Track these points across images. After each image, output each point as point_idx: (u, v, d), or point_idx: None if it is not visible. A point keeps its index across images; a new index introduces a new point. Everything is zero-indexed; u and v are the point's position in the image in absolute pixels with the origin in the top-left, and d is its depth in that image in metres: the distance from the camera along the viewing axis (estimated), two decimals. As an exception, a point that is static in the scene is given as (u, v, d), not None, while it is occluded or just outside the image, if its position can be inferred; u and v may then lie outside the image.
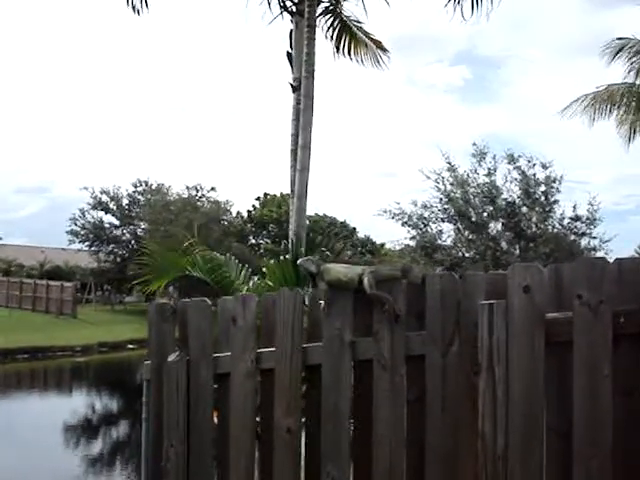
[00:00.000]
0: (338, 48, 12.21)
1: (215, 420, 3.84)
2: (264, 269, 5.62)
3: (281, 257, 5.28)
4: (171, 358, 3.81)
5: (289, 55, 9.99)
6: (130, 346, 33.02)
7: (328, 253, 3.51)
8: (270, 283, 5.26)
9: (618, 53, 18.75)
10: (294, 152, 9.19)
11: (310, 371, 3.53)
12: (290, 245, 5.81)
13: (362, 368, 3.41)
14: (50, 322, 38.00)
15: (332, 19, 11.95)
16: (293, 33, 10.12)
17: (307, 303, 3.58)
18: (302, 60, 9.30)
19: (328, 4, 11.46)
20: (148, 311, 4.01)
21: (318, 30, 10.32)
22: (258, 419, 3.68)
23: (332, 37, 12.05)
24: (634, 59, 18.37)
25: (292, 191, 8.93)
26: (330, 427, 3.41)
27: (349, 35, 12.16)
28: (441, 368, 3.20)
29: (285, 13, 10.43)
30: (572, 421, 2.92)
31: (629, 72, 18.60)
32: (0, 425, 16.94)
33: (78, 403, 21.60)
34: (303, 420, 3.55)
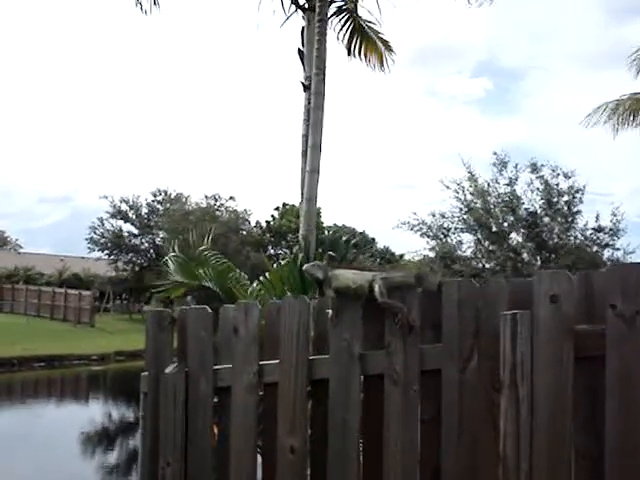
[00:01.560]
0: (349, 50, 11.99)
1: (215, 436, 3.59)
2: (267, 275, 5.40)
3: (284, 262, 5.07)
4: (168, 370, 3.58)
5: (300, 53, 9.75)
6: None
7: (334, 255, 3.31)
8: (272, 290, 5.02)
9: None
10: (305, 154, 8.93)
11: (316, 386, 3.30)
12: (299, 250, 5.54)
13: (372, 383, 3.16)
14: (68, 330, 38.12)
15: (345, 19, 11.73)
16: (305, 30, 9.89)
17: (313, 312, 3.32)
18: (313, 57, 9.07)
19: (342, 3, 11.26)
20: (145, 319, 3.78)
21: (330, 31, 10.13)
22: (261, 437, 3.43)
23: (344, 38, 11.85)
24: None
25: (302, 194, 8.65)
26: (338, 447, 3.16)
27: (361, 35, 11.96)
28: (459, 384, 2.95)
29: (297, 11, 10.20)
30: (604, 445, 2.65)
31: None
32: (13, 433, 16.78)
33: (92, 412, 21.47)
34: (309, 439, 3.28)
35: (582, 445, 2.72)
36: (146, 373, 3.70)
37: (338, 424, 3.16)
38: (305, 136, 9.05)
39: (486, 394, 2.88)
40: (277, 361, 3.34)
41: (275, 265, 5.68)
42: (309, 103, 9.04)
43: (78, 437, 16.73)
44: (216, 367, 3.52)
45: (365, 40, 11.94)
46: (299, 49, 9.84)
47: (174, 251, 6.70)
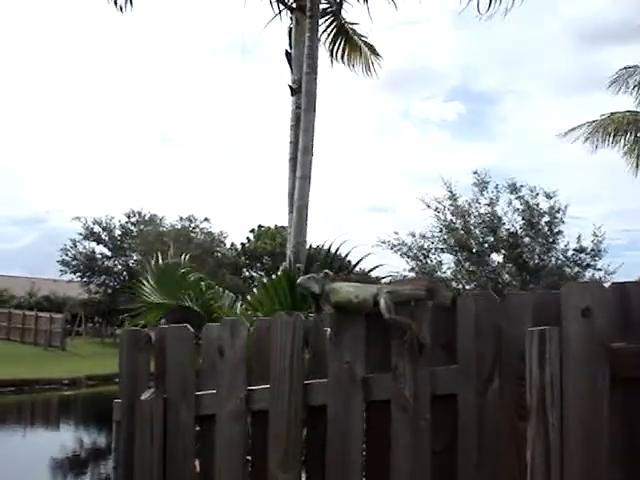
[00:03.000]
0: (332, 52, 11.72)
1: (197, 470, 3.21)
2: (255, 291, 5.02)
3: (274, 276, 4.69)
4: (145, 396, 3.21)
5: (288, 55, 9.44)
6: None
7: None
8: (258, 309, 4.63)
9: (625, 83, 18.48)
10: (293, 161, 8.51)
11: (313, 414, 2.95)
12: (287, 263, 5.15)
13: (377, 410, 2.81)
14: (38, 354, 37.30)
15: (329, 21, 11.45)
16: (293, 31, 9.57)
17: (309, 330, 2.97)
18: (303, 59, 8.70)
19: (326, 5, 10.98)
20: (120, 339, 3.40)
21: None
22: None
23: (327, 40, 11.57)
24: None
25: (290, 204, 8.22)
26: (337, 483, 2.78)
27: (345, 38, 11.69)
28: (477, 411, 2.62)
29: (282, 13, 9.91)
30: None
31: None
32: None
33: (61, 439, 20.78)
34: (304, 474, 2.91)
35: (620, 480, 2.39)
36: (119, 400, 3.32)
37: (338, 457, 2.81)
38: (293, 143, 8.67)
39: (509, 422, 2.55)
40: (268, 386, 2.99)
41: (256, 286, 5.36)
42: (298, 108, 8.67)
43: (45, 466, 16.10)
44: (199, 393, 3.16)
45: (349, 43, 11.71)
46: (286, 51, 9.52)
47: (149, 271, 6.27)
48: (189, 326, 3.23)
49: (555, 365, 2.41)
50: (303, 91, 8.53)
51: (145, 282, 6.09)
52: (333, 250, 5.14)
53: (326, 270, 3.13)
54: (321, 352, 2.93)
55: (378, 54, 12.12)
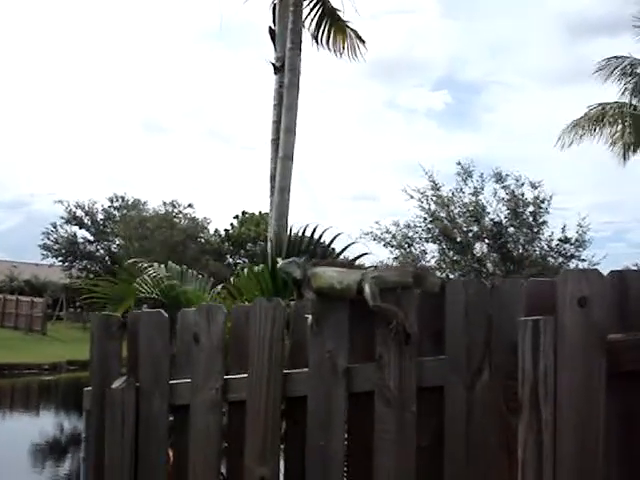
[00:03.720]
0: (317, 37, 11.44)
1: (171, 461, 3.06)
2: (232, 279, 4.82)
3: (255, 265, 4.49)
4: (116, 384, 3.04)
5: (271, 32, 9.21)
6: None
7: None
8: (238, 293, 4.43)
9: (614, 71, 18.44)
10: (275, 141, 8.26)
11: (292, 405, 2.81)
12: (269, 247, 4.95)
13: (360, 402, 2.67)
14: (18, 339, 36.99)
15: (313, 4, 11.17)
16: (277, 7, 9.33)
17: (289, 317, 2.82)
18: (287, 35, 8.45)
19: None
20: (91, 325, 3.23)
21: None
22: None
23: (311, 24, 11.26)
24: (629, 78, 18.02)
25: (272, 187, 7.97)
26: (317, 478, 2.64)
27: (330, 21, 11.41)
28: (465, 404, 2.48)
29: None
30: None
31: (623, 92, 18.25)
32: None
33: (40, 424, 20.56)
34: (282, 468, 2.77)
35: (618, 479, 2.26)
36: (90, 388, 3.16)
37: (318, 451, 2.67)
38: (276, 122, 8.43)
39: (499, 416, 2.42)
40: (245, 375, 2.84)
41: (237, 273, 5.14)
42: (281, 87, 8.43)
43: (23, 451, 15.90)
44: (173, 382, 3.01)
45: (335, 27, 11.44)
46: (270, 28, 9.29)
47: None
48: (163, 311, 3.07)
49: (549, 357, 2.28)
50: (286, 67, 8.30)
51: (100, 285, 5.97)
52: (316, 237, 4.96)
53: (307, 254, 2.98)
54: (302, 340, 2.78)
55: (363, 40, 11.91)
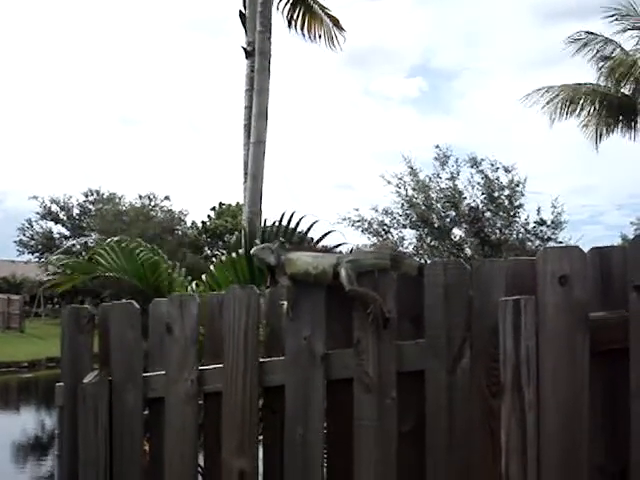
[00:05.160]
0: (290, 22, 11.24)
1: (146, 454, 2.98)
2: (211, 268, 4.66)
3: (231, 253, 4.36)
4: (88, 379, 2.95)
5: (242, 16, 9.05)
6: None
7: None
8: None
9: (583, 47, 18.47)
10: (247, 127, 8.11)
11: (269, 395, 2.73)
12: (242, 235, 4.84)
13: (338, 390, 2.60)
14: (-4, 337, 36.55)
15: None
16: (247, -10, 9.17)
17: (264, 305, 2.74)
18: (256, 19, 8.28)
19: None
20: (61, 318, 3.14)
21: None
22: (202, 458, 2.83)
23: (284, 8, 11.07)
24: (602, 59, 18.09)
25: (245, 173, 7.83)
26: (297, 469, 2.60)
27: (303, 7, 11.20)
28: (446, 388, 2.41)
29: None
30: (628, 457, 2.17)
31: (598, 75, 18.32)
32: None
33: (20, 421, 20.36)
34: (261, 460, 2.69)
35: (601, 459, 2.23)
36: (62, 383, 3.07)
37: (297, 441, 2.60)
38: (248, 107, 8.28)
39: (481, 400, 2.35)
40: (220, 365, 2.76)
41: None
42: (252, 71, 8.28)
43: (4, 448, 15.72)
44: (146, 374, 2.92)
45: (309, 13, 11.22)
46: (240, 12, 9.13)
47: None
48: (135, 302, 2.98)
49: (531, 337, 2.22)
50: (256, 51, 8.13)
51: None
52: (293, 225, 4.85)
53: (281, 239, 2.90)
54: (278, 328, 2.71)
55: (342, 28, 11.62)
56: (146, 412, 2.98)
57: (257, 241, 3.12)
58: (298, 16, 11.24)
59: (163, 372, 2.86)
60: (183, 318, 2.82)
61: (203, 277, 4.80)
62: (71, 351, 3.06)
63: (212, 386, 2.78)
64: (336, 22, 11.66)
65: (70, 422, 3.02)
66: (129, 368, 2.92)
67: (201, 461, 2.87)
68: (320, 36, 11.43)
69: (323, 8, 11.48)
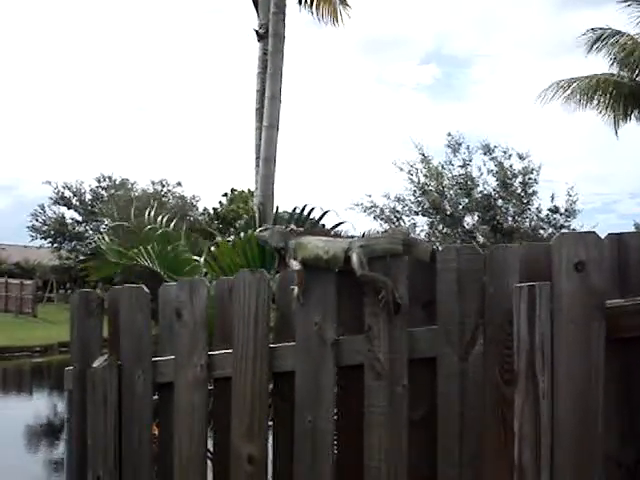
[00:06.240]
0: (301, 0, 11.18)
1: (155, 440, 2.96)
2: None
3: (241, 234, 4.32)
4: (97, 363, 2.93)
5: None
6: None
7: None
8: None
9: (595, 43, 18.32)
10: (260, 110, 8.02)
11: (279, 380, 2.70)
12: (255, 217, 4.79)
13: (349, 376, 2.56)
14: (9, 321, 36.81)
15: None
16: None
17: (275, 289, 2.71)
18: (270, 0, 8.18)
19: None
20: (70, 303, 3.12)
21: None
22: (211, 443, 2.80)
23: None
24: (614, 49, 17.90)
25: (257, 157, 7.75)
26: (306, 456, 2.57)
27: None
28: (459, 375, 2.38)
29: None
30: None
31: (612, 64, 18.12)
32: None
33: (34, 405, 20.50)
34: (270, 446, 2.67)
35: (616, 450, 2.19)
36: (71, 367, 3.05)
37: (306, 428, 2.57)
38: (260, 91, 8.19)
39: (494, 387, 2.31)
40: (230, 351, 2.73)
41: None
42: (265, 54, 8.18)
43: (19, 433, 15.83)
44: (155, 359, 2.90)
45: None
46: (253, -6, 9.05)
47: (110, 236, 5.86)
48: (144, 286, 2.95)
49: (546, 324, 2.18)
50: (270, 33, 8.02)
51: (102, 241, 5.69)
52: (305, 213, 4.80)
53: (292, 226, 2.87)
54: (288, 313, 2.67)
55: (347, 4, 11.63)
56: (155, 397, 2.96)
57: (268, 225, 3.07)
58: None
59: (172, 357, 2.83)
60: (193, 303, 2.80)
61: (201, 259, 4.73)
62: (80, 335, 3.04)
63: (221, 372, 2.75)
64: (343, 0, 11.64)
65: (79, 406, 3.00)
66: (138, 353, 2.90)
67: (210, 446, 2.86)
68: (327, 14, 11.42)
69: None
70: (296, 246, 2.64)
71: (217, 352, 2.77)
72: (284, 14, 8.22)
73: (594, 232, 2.22)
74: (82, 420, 2.98)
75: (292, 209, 4.79)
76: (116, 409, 2.90)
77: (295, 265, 2.62)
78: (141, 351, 2.90)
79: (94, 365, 2.93)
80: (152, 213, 5.48)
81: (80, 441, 2.99)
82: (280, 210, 5.24)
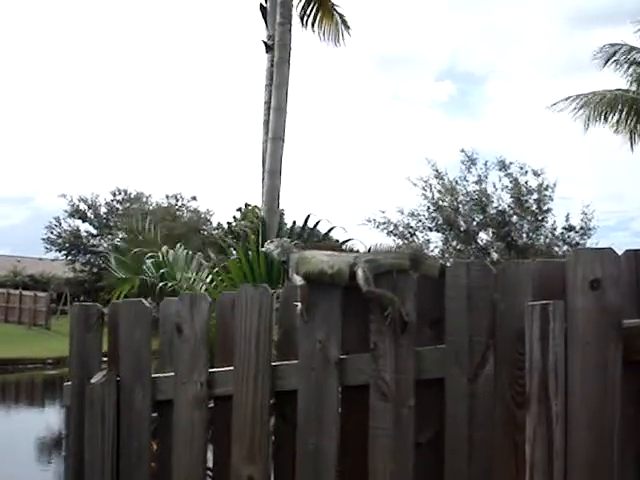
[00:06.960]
0: (303, 19, 11.26)
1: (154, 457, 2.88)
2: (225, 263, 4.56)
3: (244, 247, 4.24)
4: (95, 378, 2.85)
5: (263, 9, 8.94)
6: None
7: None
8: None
9: (611, 58, 18.22)
10: (266, 123, 7.97)
11: (282, 400, 2.61)
12: (259, 231, 4.71)
13: (354, 396, 2.47)
14: (22, 334, 36.92)
15: None
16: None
17: (278, 305, 2.62)
18: (276, 11, 8.15)
19: None
20: (70, 316, 3.06)
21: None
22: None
23: (299, 4, 11.13)
24: (631, 66, 17.79)
25: (263, 170, 7.69)
26: (309, 478, 2.46)
27: (317, 4, 11.23)
28: (468, 397, 2.28)
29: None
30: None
31: (628, 81, 18.00)
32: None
33: (45, 418, 20.47)
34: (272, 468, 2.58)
35: (633, 478, 2.08)
36: (69, 383, 2.97)
37: (309, 449, 2.48)
38: (267, 103, 8.15)
39: (505, 410, 2.21)
40: (231, 368, 2.65)
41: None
42: (272, 65, 8.15)
43: (29, 445, 15.78)
44: (155, 375, 2.82)
45: (322, 9, 11.24)
46: (261, 5, 9.03)
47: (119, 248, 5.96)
48: (145, 301, 2.88)
49: (559, 345, 2.08)
50: (276, 43, 7.98)
51: (112, 256, 5.74)
52: (311, 226, 4.73)
53: (296, 241, 2.79)
54: (291, 330, 2.58)
55: (348, 26, 11.80)
56: (154, 414, 2.88)
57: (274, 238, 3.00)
58: (311, 13, 11.31)
59: (172, 374, 2.75)
60: (193, 318, 2.72)
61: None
62: (79, 350, 2.98)
63: (222, 389, 2.67)
64: (343, 20, 11.74)
65: (77, 422, 2.93)
66: (138, 368, 2.82)
67: (210, 466, 2.77)
68: (329, 32, 11.53)
69: (333, 5, 11.56)
70: (299, 260, 2.56)
71: (218, 369, 2.69)
72: (290, 24, 8.21)
73: (611, 248, 2.12)
74: (80, 436, 2.90)
75: (292, 222, 4.72)
76: (114, 425, 2.83)
77: (298, 280, 2.53)
78: (140, 367, 2.82)
79: (93, 380, 2.86)
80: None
81: (77, 458, 2.91)
82: (288, 222, 5.19)
